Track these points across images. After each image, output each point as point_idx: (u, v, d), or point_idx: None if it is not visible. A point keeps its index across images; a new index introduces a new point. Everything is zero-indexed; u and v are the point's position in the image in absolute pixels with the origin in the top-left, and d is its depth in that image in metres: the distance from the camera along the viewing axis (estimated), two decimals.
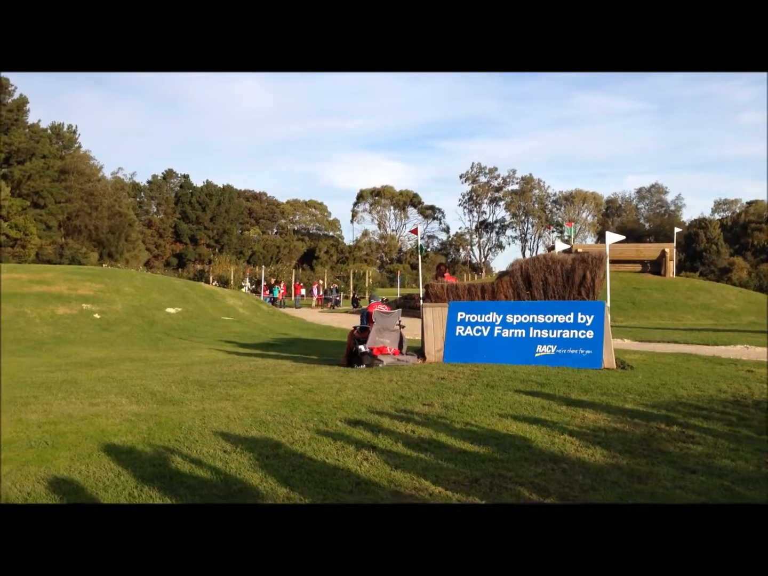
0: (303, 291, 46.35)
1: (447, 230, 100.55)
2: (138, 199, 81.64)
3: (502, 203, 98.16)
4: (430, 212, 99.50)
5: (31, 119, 62.28)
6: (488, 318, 10.00)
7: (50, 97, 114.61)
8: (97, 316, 19.11)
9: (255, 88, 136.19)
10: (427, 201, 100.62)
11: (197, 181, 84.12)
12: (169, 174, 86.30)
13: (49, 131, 63.30)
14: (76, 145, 66.06)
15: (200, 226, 79.96)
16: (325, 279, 54.65)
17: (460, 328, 10.12)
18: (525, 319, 9.82)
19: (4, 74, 61.22)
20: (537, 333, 9.69)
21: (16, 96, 61.21)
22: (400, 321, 10.71)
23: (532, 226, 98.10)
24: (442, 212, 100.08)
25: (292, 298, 43.43)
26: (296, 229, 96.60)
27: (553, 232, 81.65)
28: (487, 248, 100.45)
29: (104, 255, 61.07)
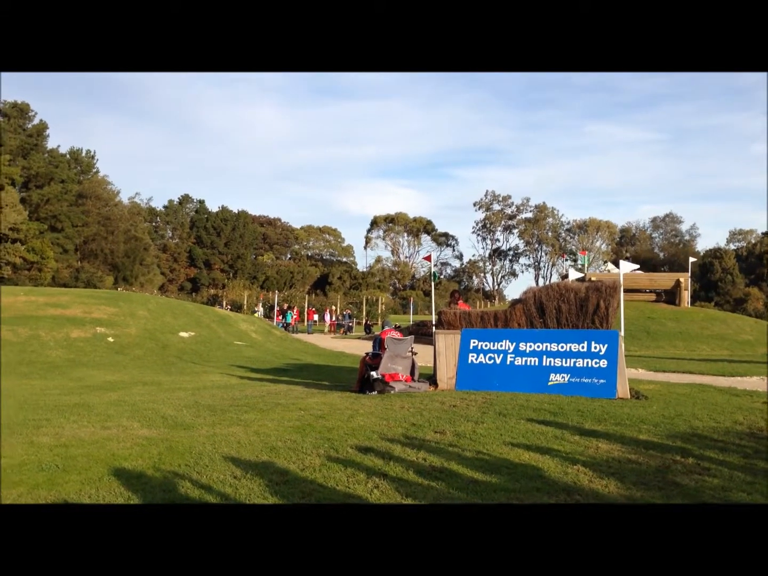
0: (316, 317, 46.37)
1: (460, 257, 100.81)
2: (154, 224, 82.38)
3: (515, 231, 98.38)
4: (444, 239, 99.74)
5: (51, 144, 63.30)
6: (501, 346, 9.96)
7: (69, 122, 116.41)
8: (110, 339, 19.20)
9: (270, 115, 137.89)
10: (440, 228, 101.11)
11: (212, 207, 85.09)
12: (184, 199, 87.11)
13: (67, 156, 64.26)
14: (94, 170, 66.98)
15: (215, 250, 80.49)
16: (338, 305, 54.71)
17: (472, 356, 10.07)
18: (538, 347, 9.77)
19: (24, 99, 62.40)
20: (550, 361, 9.63)
21: (36, 121, 62.28)
22: (412, 348, 10.68)
23: (546, 254, 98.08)
24: (456, 239, 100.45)
25: (305, 323, 43.45)
26: (310, 254, 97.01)
27: (566, 260, 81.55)
28: (500, 276, 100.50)
29: (119, 279, 61.51)
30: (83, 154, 66.44)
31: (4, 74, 66.48)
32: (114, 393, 10.71)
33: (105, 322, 20.59)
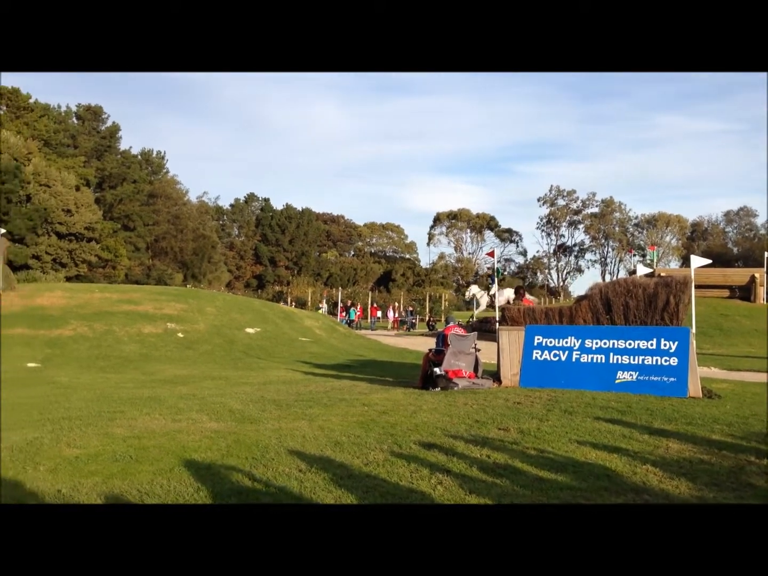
0: (379, 313, 46.56)
1: (524, 253, 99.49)
2: (221, 222, 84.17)
3: (581, 226, 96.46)
4: (507, 235, 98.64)
5: (123, 146, 65.43)
6: (566, 342, 9.80)
7: (140, 124, 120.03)
8: (180, 335, 19.71)
9: (333, 113, 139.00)
10: (504, 224, 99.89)
11: (277, 205, 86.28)
12: (250, 198, 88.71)
13: (139, 157, 66.28)
14: (164, 170, 68.92)
15: (279, 248, 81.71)
16: (401, 301, 54.78)
17: (537, 352, 9.95)
18: (605, 344, 9.57)
19: (98, 102, 64.55)
20: (617, 359, 9.42)
21: (108, 123, 64.47)
22: (475, 344, 10.62)
23: (613, 249, 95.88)
24: (519, 235, 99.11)
25: (368, 320, 43.69)
26: (373, 251, 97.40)
27: (634, 255, 79.62)
28: (565, 272, 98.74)
29: (188, 276, 63.14)
30: (154, 155, 68.42)
31: (75, 77, 68.38)
32: (184, 387, 11.01)
33: (175, 318, 21.16)
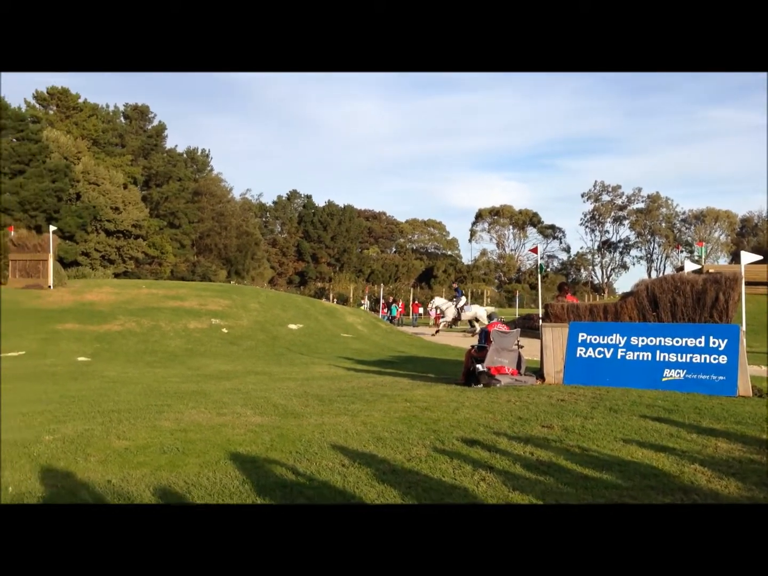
0: (420, 309, 46.51)
1: (567, 250, 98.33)
2: (264, 219, 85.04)
3: (626, 222, 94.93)
4: (550, 231, 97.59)
5: (169, 144, 66.54)
6: (611, 340, 9.66)
7: (185, 122, 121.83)
8: (224, 330, 19.99)
9: (374, 110, 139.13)
10: (546, 220, 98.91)
11: (319, 202, 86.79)
12: (293, 195, 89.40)
13: (184, 155, 67.32)
14: (209, 168, 69.90)
15: (321, 245, 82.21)
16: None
17: (581, 350, 9.83)
18: (651, 341, 9.41)
19: (144, 102, 65.72)
20: (664, 356, 9.25)
21: (155, 123, 65.62)
22: (518, 341, 10.54)
23: (659, 245, 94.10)
24: (563, 231, 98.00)
25: (410, 316, 43.68)
26: (415, 248, 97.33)
27: (682, 252, 78.03)
28: (609, 268, 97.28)
29: (232, 272, 63.97)
30: (198, 153, 69.42)
31: (119, 77, 69.44)
32: (228, 382, 11.17)
33: (219, 314, 21.45)
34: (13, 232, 26.47)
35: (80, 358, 15.46)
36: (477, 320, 28.96)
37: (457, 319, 29.34)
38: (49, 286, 22.80)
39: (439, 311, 30.45)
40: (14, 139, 49.97)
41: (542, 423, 6.80)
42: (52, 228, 24.78)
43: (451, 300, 30.04)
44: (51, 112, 58.73)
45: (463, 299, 29.45)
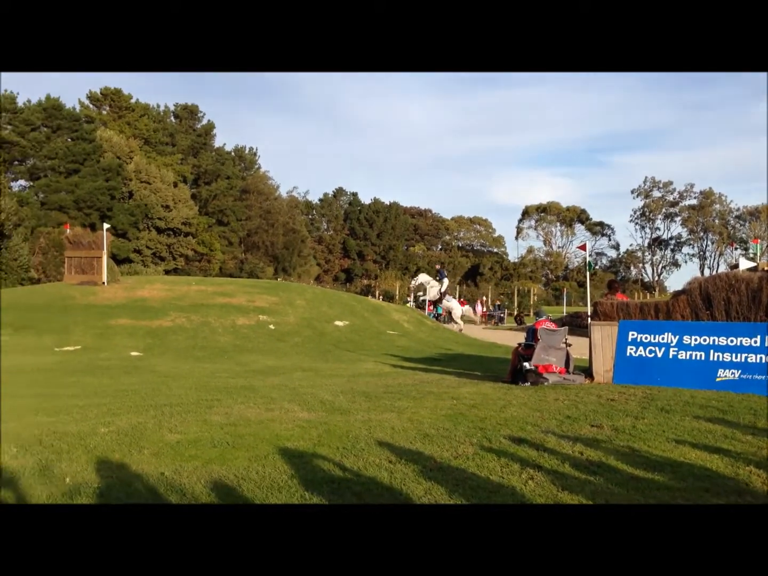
0: (467, 307, 46.30)
1: (617, 247, 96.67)
2: (310, 217, 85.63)
3: (678, 219, 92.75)
4: (599, 228, 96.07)
5: (217, 143, 67.58)
6: (663, 338, 9.47)
7: (233, 121, 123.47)
8: (272, 327, 20.22)
9: (420, 107, 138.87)
10: (595, 217, 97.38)
11: (365, 199, 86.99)
12: (339, 192, 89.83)
13: (232, 154, 68.28)
14: (256, 166, 70.78)
15: (367, 242, 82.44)
16: (489, 295, 54.32)
17: (631, 348, 9.66)
18: (704, 340, 9.19)
19: (194, 101, 66.79)
20: (718, 356, 9.02)
21: (204, 122, 66.69)
22: (566, 339, 10.42)
23: (712, 243, 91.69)
24: (612, 228, 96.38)
25: None
26: (460, 245, 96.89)
27: (736, 249, 75.96)
28: (660, 266, 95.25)
29: (279, 270, 64.65)
30: (246, 152, 70.34)
31: (170, 78, 70.45)
32: (276, 377, 11.30)
33: (267, 310, 21.72)
34: (68, 230, 27.24)
35: (133, 353, 15.83)
36: (450, 313, 28.80)
37: (436, 303, 29.13)
38: (103, 283, 23.38)
39: (422, 288, 29.85)
40: (69, 139, 51.38)
41: (591, 422, 6.72)
42: (105, 226, 25.39)
43: (434, 278, 29.71)
44: (104, 112, 60.20)
45: (446, 282, 29.20)
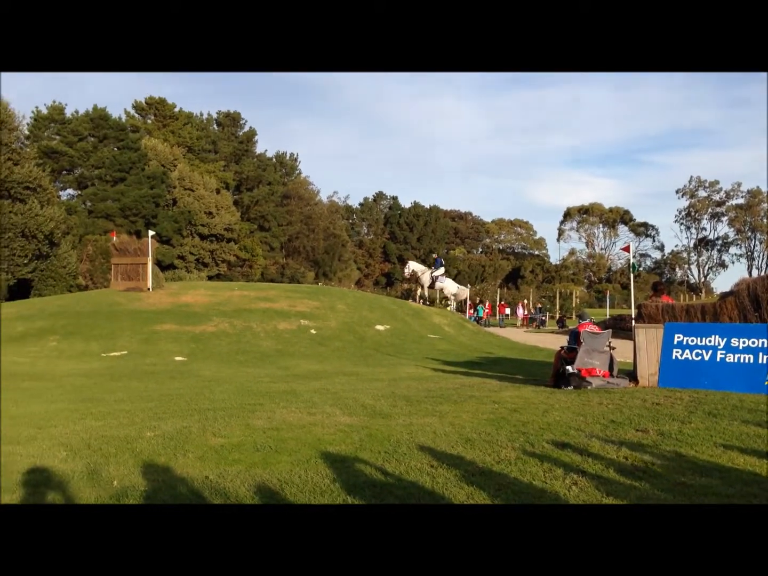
0: (508, 310, 45.99)
1: (661, 248, 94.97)
2: (350, 221, 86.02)
3: (724, 219, 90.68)
4: (643, 229, 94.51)
5: (259, 149, 68.38)
6: (710, 341, 9.27)
7: (274, 127, 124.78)
8: (313, 331, 20.35)
9: (459, 109, 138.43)
10: (638, 218, 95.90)
11: (405, 203, 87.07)
12: (379, 196, 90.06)
13: (273, 160, 69.03)
14: (297, 172, 71.46)
15: (407, 246, 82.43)
16: (531, 298, 53.86)
17: (677, 351, 9.47)
18: (753, 343, 8.97)
19: (236, 109, 67.69)
20: (767, 359, 8.80)
21: (246, 129, 67.56)
22: (610, 342, 10.27)
23: (761, 242, 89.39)
24: (656, 229, 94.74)
25: (497, 317, 43.25)
26: (501, 248, 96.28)
27: None
28: (707, 267, 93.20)
29: (320, 274, 65.06)
30: (287, 158, 71.02)
31: (213, 85, 71.52)
32: (317, 382, 11.37)
33: (308, 315, 21.86)
34: (115, 238, 27.83)
35: (177, 358, 16.09)
36: (445, 295, 28.48)
37: (429, 287, 28.82)
38: (148, 289, 23.82)
39: (414, 274, 29.33)
40: (115, 148, 52.52)
41: (636, 427, 6.61)
42: (150, 233, 25.84)
43: (429, 267, 29.34)
44: (149, 121, 61.42)
45: (442, 269, 28.85)
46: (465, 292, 31.19)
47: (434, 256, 32.89)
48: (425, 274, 28.38)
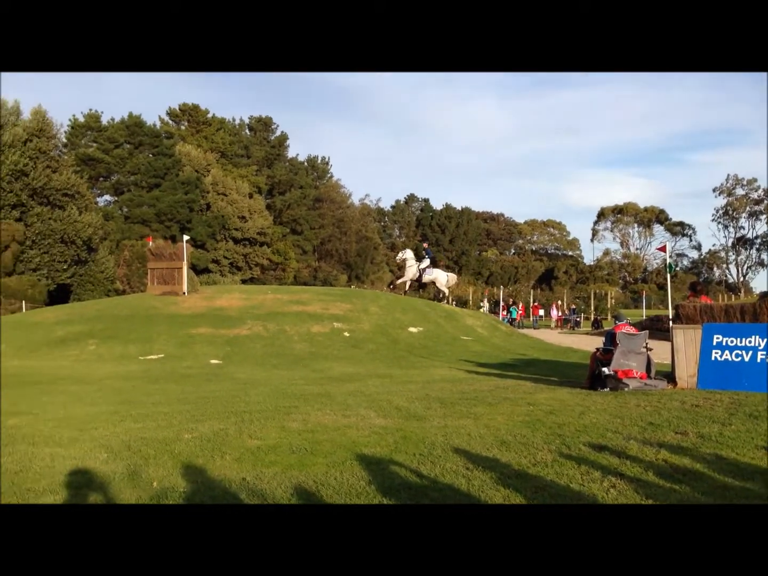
0: (541, 311, 45.63)
1: (698, 248, 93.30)
2: (382, 224, 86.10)
3: (763, 217, 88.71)
4: (679, 229, 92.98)
5: (290, 153, 68.85)
6: (750, 342, 9.09)
7: (305, 131, 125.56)
8: (346, 334, 20.40)
9: (490, 110, 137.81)
10: (674, 217, 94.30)
11: (437, 205, 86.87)
12: (410, 198, 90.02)
13: (305, 163, 69.45)
14: (329, 175, 71.78)
15: (440, 248, 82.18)
16: (564, 299, 53.38)
17: (716, 353, 9.31)
18: None
19: (267, 113, 68.27)
20: None
21: (278, 133, 68.09)
22: (647, 343, 10.12)
23: None
24: (693, 228, 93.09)
25: (530, 318, 42.95)
26: (534, 249, 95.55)
27: None
28: (745, 266, 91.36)
29: (352, 277, 65.25)
30: (319, 161, 71.38)
31: (244, 91, 72.33)
32: (351, 384, 11.40)
33: (341, 317, 21.92)
34: (151, 243, 28.25)
35: (213, 361, 16.27)
36: (435, 285, 28.23)
37: (416, 281, 28.55)
38: (184, 293, 24.11)
39: (407, 262, 28.96)
40: (150, 155, 53.36)
41: (675, 429, 6.51)
42: (185, 237, 26.15)
43: (419, 260, 29.02)
44: (183, 127, 62.24)
45: (427, 261, 28.55)
46: (454, 278, 30.98)
47: (425, 245, 32.57)
48: (412, 267, 28.22)
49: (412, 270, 28.17)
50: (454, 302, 45.07)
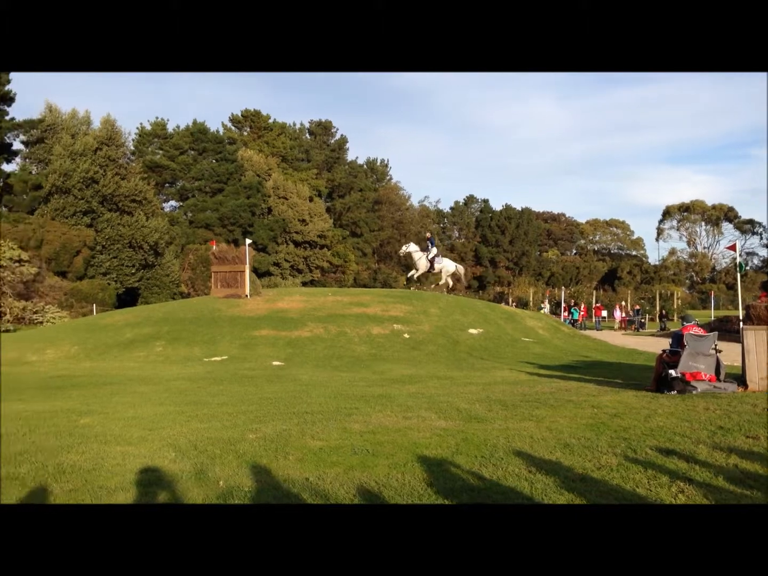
0: (604, 313, 44.71)
1: None
2: (441, 225, 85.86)
3: None
4: (749, 227, 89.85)
5: (350, 156, 69.40)
6: None
7: (365, 134, 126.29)
8: (406, 335, 20.43)
9: (550, 109, 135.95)
10: (744, 215, 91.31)
11: (496, 205, 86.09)
12: (469, 199, 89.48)
13: (364, 166, 69.90)
14: (388, 178, 72.09)
15: (499, 249, 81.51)
16: (628, 300, 52.23)
17: None
18: None
19: (327, 117, 68.96)
20: None
21: (337, 137, 68.73)
22: (716, 345, 9.83)
23: None
24: (764, 226, 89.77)
25: (593, 319, 42.14)
26: (596, 249, 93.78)
27: None
28: None
29: (412, 279, 65.23)
30: (378, 164, 71.73)
31: (305, 97, 73.24)
32: (412, 386, 11.41)
33: (401, 319, 21.95)
34: (214, 246, 28.87)
35: (275, 363, 16.51)
36: (450, 272, 27.68)
37: (428, 271, 28.03)
38: (246, 296, 24.55)
39: (417, 257, 28.40)
40: (214, 160, 54.58)
41: (747, 433, 6.30)
42: (247, 241, 26.60)
43: (423, 251, 28.41)
44: (245, 133, 63.46)
45: (435, 250, 27.97)
46: (461, 268, 30.67)
47: (427, 235, 32.17)
48: (422, 259, 27.97)
49: (422, 261, 28.07)
50: (514, 303, 44.68)
